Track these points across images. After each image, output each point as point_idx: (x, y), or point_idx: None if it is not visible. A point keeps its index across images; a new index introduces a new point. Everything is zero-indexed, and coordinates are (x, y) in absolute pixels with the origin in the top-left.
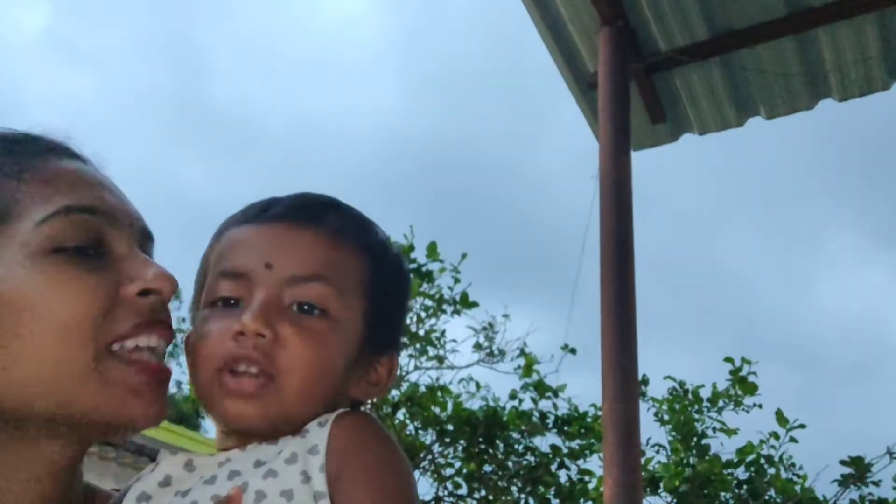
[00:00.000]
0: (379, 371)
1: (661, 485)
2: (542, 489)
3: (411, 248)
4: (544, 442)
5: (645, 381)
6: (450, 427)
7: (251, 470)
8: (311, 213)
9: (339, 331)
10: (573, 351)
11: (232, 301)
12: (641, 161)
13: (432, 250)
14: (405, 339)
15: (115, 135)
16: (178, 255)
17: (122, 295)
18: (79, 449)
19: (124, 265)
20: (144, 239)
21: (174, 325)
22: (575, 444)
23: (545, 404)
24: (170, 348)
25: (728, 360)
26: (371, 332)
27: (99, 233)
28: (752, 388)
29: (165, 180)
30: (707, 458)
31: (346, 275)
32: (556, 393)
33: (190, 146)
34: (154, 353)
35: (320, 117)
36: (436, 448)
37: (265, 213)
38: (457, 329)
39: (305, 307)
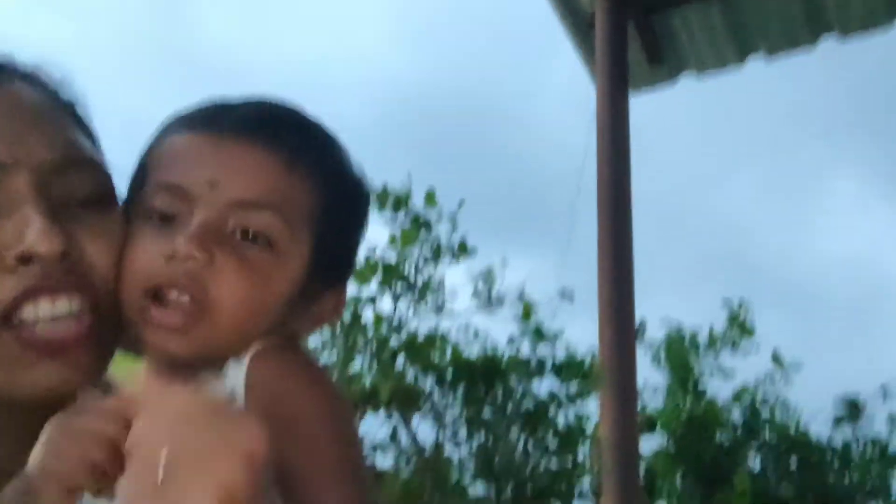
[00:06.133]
0: (324, 304)
1: (658, 426)
2: (540, 432)
3: (408, 195)
4: (542, 386)
5: (642, 326)
6: (449, 374)
7: None
8: (266, 128)
9: (282, 265)
10: (571, 297)
11: (168, 216)
12: (639, 109)
13: (430, 198)
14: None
15: (98, 81)
16: None
17: (5, 261)
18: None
19: (7, 226)
20: (56, 169)
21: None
22: (573, 388)
23: (543, 350)
24: None
25: (726, 302)
26: (318, 264)
27: None
28: (749, 331)
29: (149, 128)
30: (704, 400)
31: (298, 204)
32: (554, 338)
33: (175, 94)
34: (57, 320)
35: (310, 64)
36: (435, 394)
37: (215, 120)
38: (455, 276)
39: (250, 235)
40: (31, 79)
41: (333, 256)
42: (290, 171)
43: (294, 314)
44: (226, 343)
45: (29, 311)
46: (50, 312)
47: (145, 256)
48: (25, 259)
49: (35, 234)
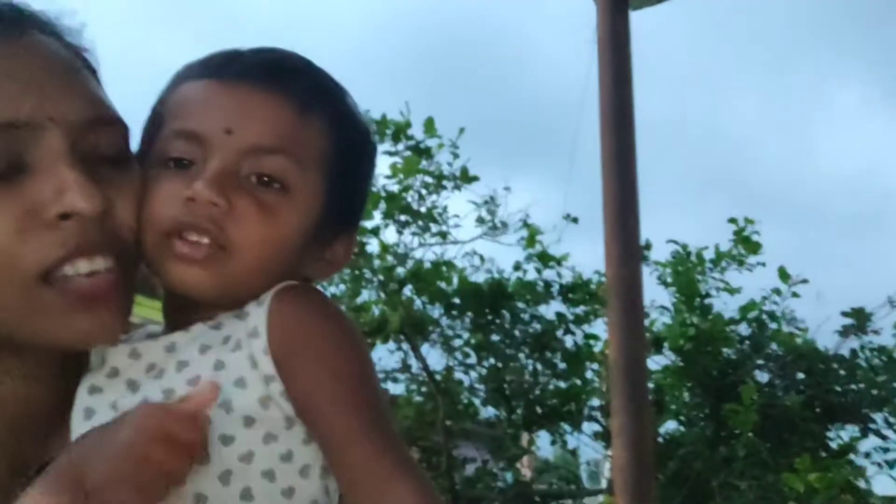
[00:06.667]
0: (336, 249)
1: (666, 344)
2: (549, 354)
3: (408, 124)
4: (549, 310)
5: (647, 246)
6: (456, 300)
7: (198, 358)
8: (278, 76)
9: (297, 207)
10: (575, 220)
11: (185, 162)
12: (640, 25)
13: (429, 126)
14: (399, 216)
15: (96, 21)
16: None
17: (43, 219)
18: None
19: (41, 182)
20: (88, 127)
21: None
22: (580, 310)
23: (549, 273)
24: None
25: (732, 220)
26: (330, 209)
27: (15, 150)
28: (755, 247)
29: (147, 68)
30: (710, 316)
31: (311, 149)
32: (559, 262)
33: (173, 32)
34: (93, 276)
35: None
36: (444, 321)
37: (227, 68)
38: (458, 204)
39: (265, 179)
40: (51, 29)
41: (345, 201)
42: (302, 117)
43: (307, 259)
44: (243, 283)
45: (69, 268)
46: (88, 268)
47: (165, 200)
48: (66, 217)
49: (76, 192)
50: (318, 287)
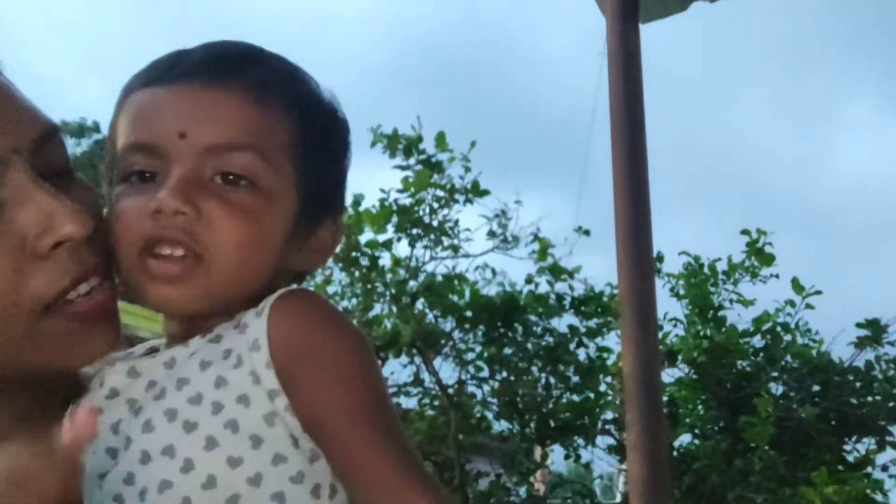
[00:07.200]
0: (321, 236)
1: (679, 357)
2: (562, 367)
3: (419, 139)
4: (562, 323)
5: (660, 258)
6: (469, 314)
7: (199, 375)
8: (226, 67)
9: (270, 202)
10: (587, 232)
11: (147, 175)
12: (650, 34)
13: (441, 141)
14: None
15: (109, 41)
16: None
17: (35, 251)
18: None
19: (24, 214)
20: (42, 144)
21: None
22: (592, 322)
23: (561, 286)
24: None
25: (745, 232)
26: (307, 197)
27: None
28: (769, 259)
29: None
30: (724, 329)
31: (273, 138)
32: (571, 275)
33: (177, 43)
34: (91, 294)
35: (317, 8)
36: (456, 334)
37: (173, 70)
38: (470, 218)
39: (230, 178)
40: None
41: (321, 186)
42: (257, 107)
43: (292, 250)
44: (229, 289)
45: (71, 293)
46: (87, 288)
47: (132, 216)
48: (59, 244)
49: (65, 218)
50: (319, 294)
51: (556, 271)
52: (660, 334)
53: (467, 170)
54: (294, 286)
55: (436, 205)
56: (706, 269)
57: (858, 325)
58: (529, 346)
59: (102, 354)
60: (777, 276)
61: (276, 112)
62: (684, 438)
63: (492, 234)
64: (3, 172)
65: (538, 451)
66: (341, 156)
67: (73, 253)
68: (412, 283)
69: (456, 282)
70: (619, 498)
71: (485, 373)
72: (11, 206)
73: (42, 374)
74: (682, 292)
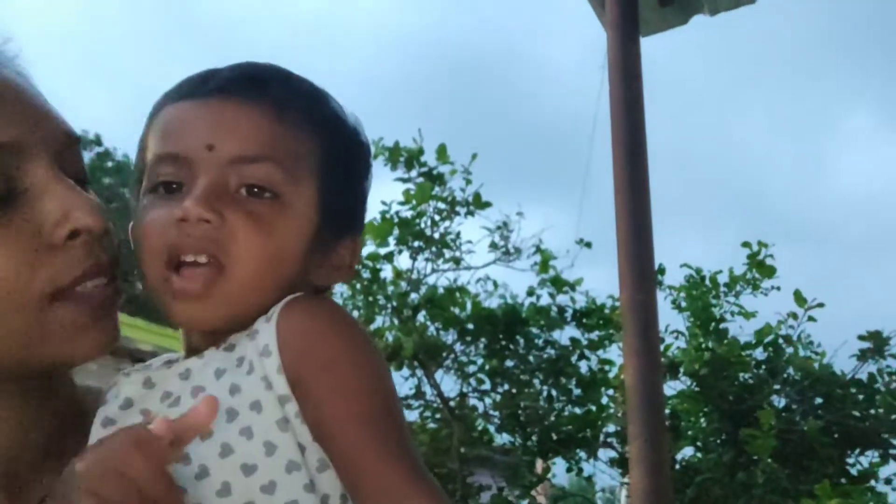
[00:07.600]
0: (341, 254)
1: (681, 369)
2: (563, 380)
3: (421, 151)
4: (564, 335)
5: (661, 270)
6: (470, 326)
7: (214, 383)
8: (253, 85)
9: (291, 214)
10: (588, 245)
11: (174, 186)
12: (651, 47)
13: (442, 153)
14: (416, 243)
15: (104, 47)
16: None
17: (49, 240)
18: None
19: (44, 203)
20: (66, 147)
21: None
22: (594, 335)
23: (563, 299)
24: None
25: (746, 244)
26: (328, 213)
27: (6, 174)
28: (770, 271)
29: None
30: (725, 341)
31: (296, 153)
32: (573, 287)
33: (181, 57)
34: (97, 288)
35: (317, 18)
36: (458, 347)
37: (203, 87)
38: (471, 230)
39: (255, 190)
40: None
41: (341, 204)
42: (281, 122)
43: (312, 266)
44: (249, 302)
45: (80, 287)
46: (94, 283)
47: (158, 226)
48: (74, 236)
49: (84, 211)
50: (330, 299)
51: (558, 283)
52: (661, 347)
53: (468, 182)
54: (302, 293)
55: (437, 217)
56: (707, 282)
57: (860, 338)
58: (531, 358)
59: (104, 348)
60: (778, 289)
61: (297, 128)
62: (686, 451)
63: (493, 246)
64: (29, 162)
65: (540, 464)
66: (362, 176)
67: (87, 247)
68: (414, 296)
69: (457, 294)
70: None
71: (486, 385)
72: (33, 196)
73: (45, 371)
74: (683, 304)
